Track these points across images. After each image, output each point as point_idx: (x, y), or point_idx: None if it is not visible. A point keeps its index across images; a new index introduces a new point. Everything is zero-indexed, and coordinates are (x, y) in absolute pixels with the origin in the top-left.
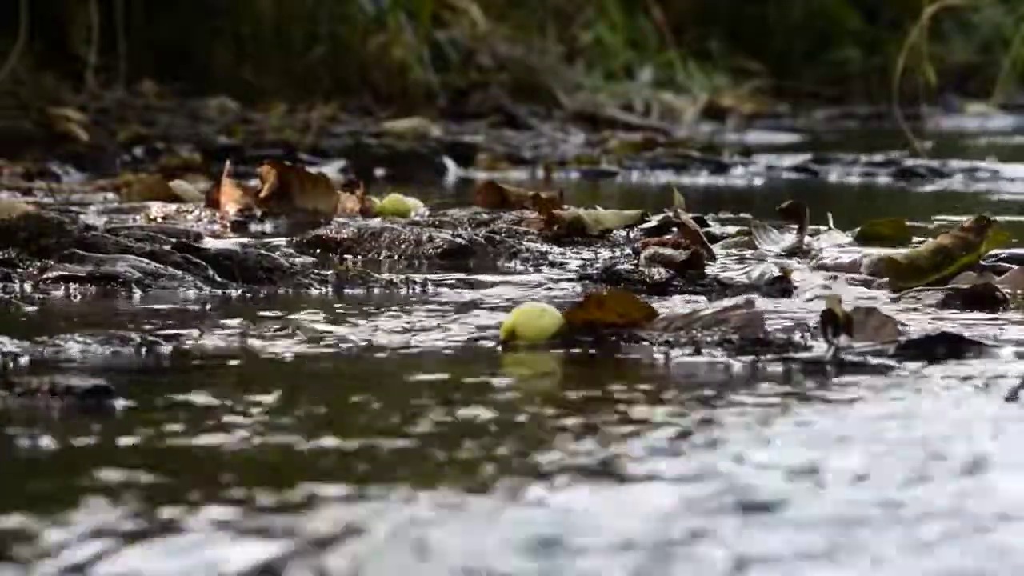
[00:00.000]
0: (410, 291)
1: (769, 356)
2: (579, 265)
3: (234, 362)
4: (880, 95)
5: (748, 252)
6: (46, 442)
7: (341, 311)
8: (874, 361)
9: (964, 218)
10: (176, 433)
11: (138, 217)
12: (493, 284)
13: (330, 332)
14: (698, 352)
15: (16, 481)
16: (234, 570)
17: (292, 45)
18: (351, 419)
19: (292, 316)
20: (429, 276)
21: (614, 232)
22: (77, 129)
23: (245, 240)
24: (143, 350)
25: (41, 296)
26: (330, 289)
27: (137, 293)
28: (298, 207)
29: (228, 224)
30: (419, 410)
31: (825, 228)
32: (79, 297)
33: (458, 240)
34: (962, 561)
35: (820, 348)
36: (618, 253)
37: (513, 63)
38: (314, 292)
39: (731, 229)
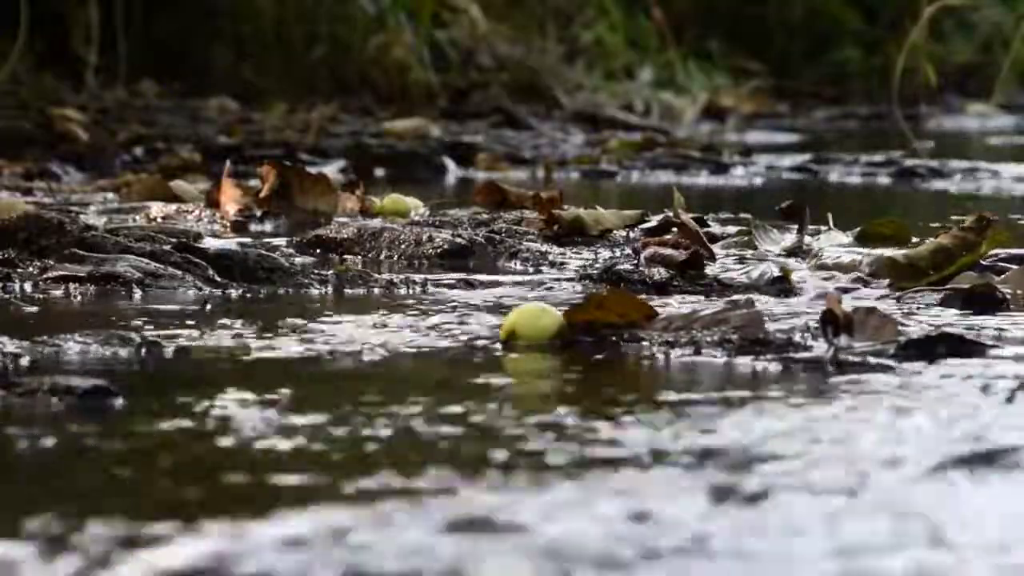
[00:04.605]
0: (410, 291)
1: (769, 356)
2: (579, 265)
3: (234, 362)
4: (880, 95)
5: (748, 252)
6: (46, 442)
7: (341, 311)
8: (874, 361)
9: (964, 218)
10: (176, 433)
11: (138, 217)
12: (493, 284)
13: (330, 332)
14: (698, 352)
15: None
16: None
17: (292, 45)
18: (351, 419)
19: (292, 316)
20: (429, 276)
21: (614, 232)
22: (77, 129)
23: (245, 240)
24: (143, 350)
25: (41, 296)
26: (330, 289)
27: (137, 293)
28: (298, 207)
29: (228, 224)
30: (419, 410)
31: (825, 228)
32: (79, 297)
33: (458, 240)
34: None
35: (820, 348)
36: (618, 253)
37: (513, 63)
38: (314, 292)
39: (731, 229)
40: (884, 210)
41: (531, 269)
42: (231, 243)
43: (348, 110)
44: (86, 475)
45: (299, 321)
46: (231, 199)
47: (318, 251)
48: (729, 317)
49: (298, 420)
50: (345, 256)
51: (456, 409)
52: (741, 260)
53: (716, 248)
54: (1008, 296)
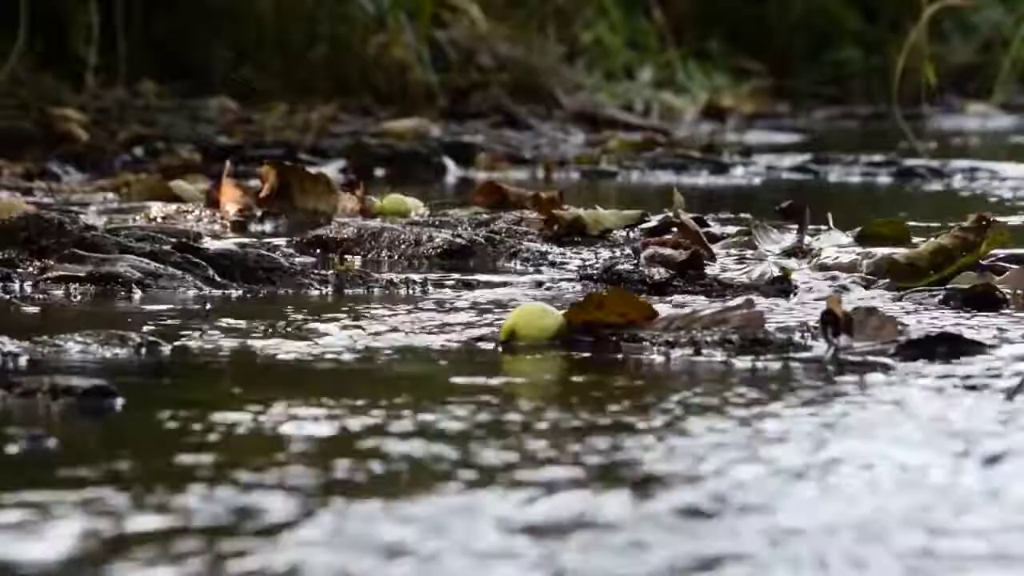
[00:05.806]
0: (410, 291)
1: (769, 356)
2: (579, 265)
3: (234, 362)
4: (880, 95)
5: (748, 252)
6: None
7: (341, 311)
8: (874, 361)
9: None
10: (176, 433)
11: (138, 217)
12: (493, 284)
13: (330, 332)
14: (698, 352)
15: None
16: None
17: (292, 45)
18: (350, 419)
19: (292, 316)
20: (429, 276)
21: (614, 232)
22: (77, 129)
23: (245, 240)
24: (143, 350)
25: (41, 296)
26: (330, 289)
27: (137, 293)
28: (298, 207)
29: (228, 224)
30: (418, 410)
31: (825, 228)
32: (79, 297)
33: (458, 240)
34: None
35: (820, 348)
36: (618, 253)
37: (513, 63)
38: (314, 292)
39: (731, 229)
40: (884, 210)
41: (531, 269)
42: (231, 243)
43: (348, 110)
44: (85, 474)
45: (299, 321)
46: (231, 199)
47: (318, 251)
48: (729, 317)
49: (295, 419)
50: (345, 256)
51: (454, 409)
52: (741, 260)
53: (716, 248)
54: (1008, 296)
